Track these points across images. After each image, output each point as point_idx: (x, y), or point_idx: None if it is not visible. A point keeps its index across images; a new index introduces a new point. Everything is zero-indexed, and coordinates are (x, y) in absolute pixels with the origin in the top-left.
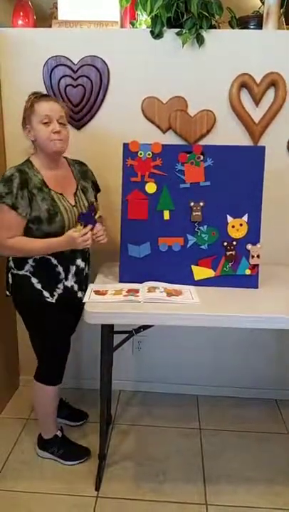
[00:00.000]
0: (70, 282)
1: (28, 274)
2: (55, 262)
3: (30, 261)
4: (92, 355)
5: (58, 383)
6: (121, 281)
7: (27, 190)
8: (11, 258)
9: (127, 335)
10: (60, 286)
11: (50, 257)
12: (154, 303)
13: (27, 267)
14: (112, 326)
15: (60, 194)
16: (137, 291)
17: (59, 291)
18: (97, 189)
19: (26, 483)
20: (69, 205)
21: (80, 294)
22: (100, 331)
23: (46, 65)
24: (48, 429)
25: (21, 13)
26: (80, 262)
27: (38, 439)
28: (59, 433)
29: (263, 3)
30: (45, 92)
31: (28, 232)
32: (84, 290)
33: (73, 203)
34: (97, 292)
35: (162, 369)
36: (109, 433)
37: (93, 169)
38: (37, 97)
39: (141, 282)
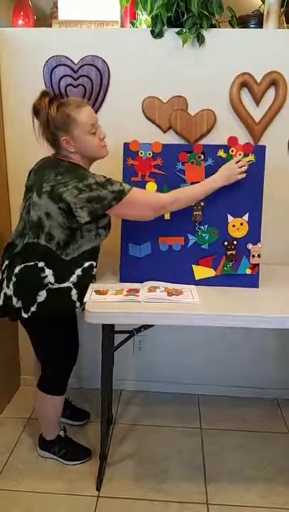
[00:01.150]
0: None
1: (70, 285)
2: (94, 264)
3: (78, 271)
4: (93, 355)
5: (64, 393)
6: (122, 280)
7: None
8: (48, 273)
9: (127, 335)
10: (90, 289)
11: (93, 262)
12: (154, 302)
13: (72, 278)
14: (112, 326)
15: None
16: (137, 290)
17: (88, 295)
18: None
19: (27, 482)
20: None
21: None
22: (100, 330)
23: (47, 64)
24: (50, 432)
25: (21, 13)
26: (95, 263)
27: (38, 439)
28: (62, 433)
29: (264, 2)
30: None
31: (95, 238)
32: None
33: None
34: (97, 292)
35: (163, 369)
36: (110, 433)
37: (94, 169)
38: (59, 103)
39: (142, 282)
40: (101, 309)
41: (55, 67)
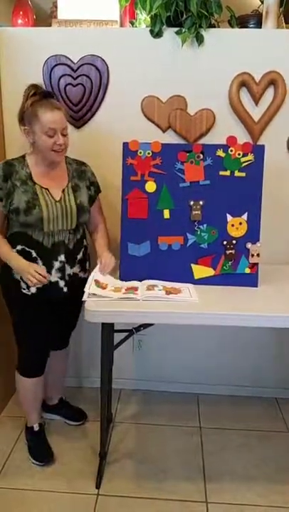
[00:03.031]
0: (53, 277)
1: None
2: (35, 255)
3: (13, 251)
4: (92, 354)
5: (35, 376)
6: (121, 279)
7: (10, 182)
8: None
9: (127, 333)
10: None
11: (31, 250)
12: (153, 301)
13: None
14: (112, 325)
15: (46, 189)
16: (136, 288)
17: (39, 285)
18: (98, 190)
19: (27, 481)
20: (52, 200)
21: (65, 290)
22: (100, 329)
23: (46, 64)
24: (28, 417)
25: (21, 13)
26: (63, 258)
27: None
28: (36, 426)
29: (262, 2)
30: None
31: (9, 222)
32: (76, 290)
33: (58, 199)
34: (97, 282)
35: (162, 368)
36: (110, 431)
37: (93, 168)
38: (38, 99)
39: (141, 281)
40: (100, 308)
41: (55, 66)
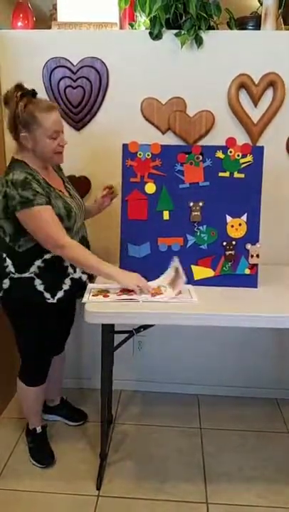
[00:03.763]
0: (78, 274)
1: (32, 275)
2: None
3: (38, 262)
4: (92, 355)
5: (40, 384)
6: None
7: (44, 190)
8: (9, 263)
9: (127, 335)
10: (68, 281)
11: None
12: (153, 302)
13: (32, 269)
14: (112, 326)
15: (60, 191)
16: (130, 290)
17: (66, 287)
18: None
19: (28, 482)
20: (70, 199)
21: (86, 282)
22: (100, 330)
23: (46, 66)
24: (30, 420)
25: (21, 15)
26: None
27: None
28: (38, 429)
29: (261, 4)
30: (21, 82)
31: (22, 234)
32: (89, 277)
33: (69, 195)
34: (95, 296)
35: (163, 368)
36: (110, 432)
37: (92, 170)
38: (29, 100)
39: None
40: (100, 309)
41: (55, 68)
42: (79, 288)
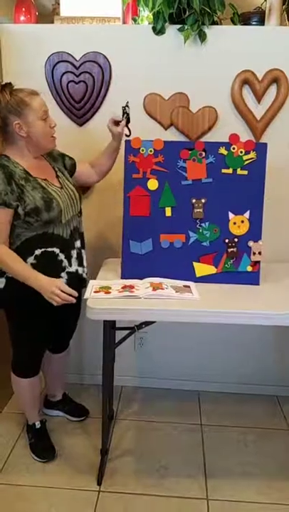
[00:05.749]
0: (73, 267)
1: None
2: (57, 251)
3: (31, 259)
4: (94, 351)
5: (32, 376)
6: (123, 277)
7: (14, 184)
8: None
9: (129, 331)
10: (64, 275)
11: (53, 249)
12: (154, 299)
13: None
14: (114, 322)
15: (45, 180)
16: (132, 286)
17: (63, 281)
18: (71, 158)
19: (29, 477)
20: (57, 189)
21: (85, 276)
22: (101, 327)
23: (48, 61)
24: (28, 415)
25: (23, 9)
26: (78, 243)
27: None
28: (37, 424)
29: (266, 0)
30: (5, 81)
31: (27, 226)
32: (83, 267)
33: (59, 186)
34: (97, 293)
35: (164, 365)
36: (112, 428)
37: None
38: (15, 89)
39: (142, 279)
40: (102, 306)
41: (57, 63)
42: (78, 282)
